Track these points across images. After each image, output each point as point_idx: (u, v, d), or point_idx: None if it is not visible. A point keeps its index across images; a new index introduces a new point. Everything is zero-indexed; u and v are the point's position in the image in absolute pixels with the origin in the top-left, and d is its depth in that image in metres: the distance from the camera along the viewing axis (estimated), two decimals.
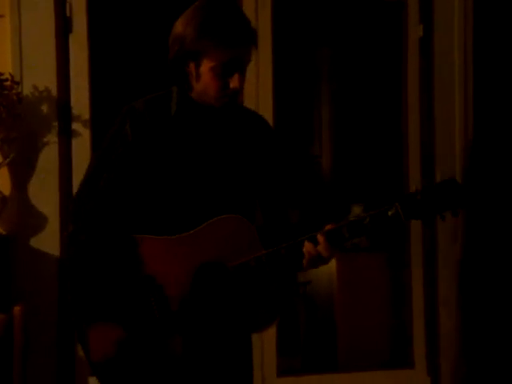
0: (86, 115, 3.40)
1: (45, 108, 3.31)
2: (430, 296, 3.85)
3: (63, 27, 3.36)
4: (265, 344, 3.65)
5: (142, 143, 2.03)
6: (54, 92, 3.32)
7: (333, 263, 4.44)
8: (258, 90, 3.64)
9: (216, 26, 1.94)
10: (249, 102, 3.62)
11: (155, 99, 2.09)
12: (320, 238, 1.96)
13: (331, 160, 4.92)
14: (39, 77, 3.30)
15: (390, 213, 1.94)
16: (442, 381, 3.82)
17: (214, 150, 2.08)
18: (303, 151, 4.85)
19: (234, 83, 1.97)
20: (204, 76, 1.98)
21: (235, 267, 1.98)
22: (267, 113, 3.64)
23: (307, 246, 1.97)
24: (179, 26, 1.99)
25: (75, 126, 3.39)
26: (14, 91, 3.13)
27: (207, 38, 1.94)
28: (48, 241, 3.26)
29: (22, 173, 3.29)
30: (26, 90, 3.27)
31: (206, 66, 1.97)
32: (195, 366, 2.03)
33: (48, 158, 3.31)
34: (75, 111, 3.39)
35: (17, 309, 2.72)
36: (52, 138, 3.32)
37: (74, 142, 3.37)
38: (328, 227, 1.98)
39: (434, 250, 3.83)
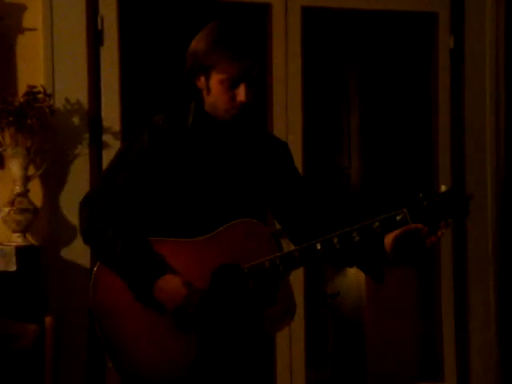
0: (117, 127, 3.43)
1: (76, 120, 3.35)
2: (460, 309, 3.81)
3: (95, 40, 3.40)
4: (293, 356, 3.64)
5: (157, 151, 2.12)
6: (85, 104, 3.36)
7: (362, 275, 4.41)
8: (287, 101, 3.65)
9: (225, 42, 2.06)
10: (279, 114, 3.63)
11: (174, 113, 2.20)
12: (335, 239, 2.04)
13: (360, 171, 4.90)
14: (71, 89, 3.33)
15: (398, 217, 2.03)
16: None
17: (226, 160, 2.16)
18: (329, 164, 4.84)
19: (240, 96, 2.08)
20: (213, 89, 2.09)
21: (251, 269, 2.05)
22: (296, 124, 3.65)
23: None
24: (194, 43, 2.13)
25: (106, 137, 3.42)
26: (46, 103, 3.17)
27: (216, 51, 2.06)
28: (79, 252, 3.28)
29: (53, 184, 3.32)
30: (58, 102, 3.30)
31: (215, 79, 2.08)
32: (211, 368, 2.07)
33: (79, 169, 3.35)
34: (106, 123, 3.42)
35: (48, 319, 2.74)
36: (83, 150, 3.36)
37: (105, 154, 3.40)
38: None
39: (464, 263, 3.80)
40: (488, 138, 3.79)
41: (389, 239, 2.07)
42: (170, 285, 2.02)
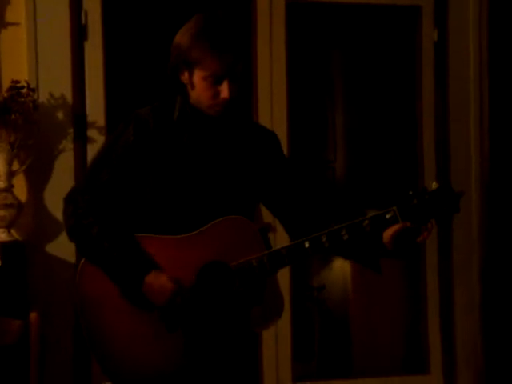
0: (101, 122, 3.42)
1: (60, 115, 3.33)
2: (445, 301, 3.83)
3: (79, 35, 3.39)
4: (279, 349, 3.65)
5: (143, 145, 2.11)
6: (70, 99, 3.34)
7: (347, 268, 4.43)
8: (271, 95, 3.65)
9: (207, 37, 2.04)
10: (264, 108, 3.64)
11: (159, 106, 2.18)
12: (323, 237, 2.03)
13: (345, 165, 4.91)
14: (55, 84, 3.32)
15: (387, 216, 2.02)
16: None
17: (214, 155, 2.15)
18: (315, 157, 4.85)
19: (223, 93, 2.07)
20: (197, 85, 2.08)
21: (238, 266, 2.05)
22: (281, 118, 3.66)
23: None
24: (177, 36, 2.11)
25: (90, 132, 3.40)
26: (29, 98, 3.16)
27: (199, 47, 2.04)
28: (64, 247, 3.26)
29: (37, 179, 3.31)
30: (42, 97, 3.29)
31: (198, 76, 2.07)
32: (197, 364, 2.07)
33: (63, 164, 3.34)
34: (90, 118, 3.41)
35: (33, 315, 2.73)
36: (67, 145, 3.34)
37: (90, 149, 3.39)
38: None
39: (449, 256, 3.82)
40: (472, 131, 3.81)
41: (386, 237, 2.06)
42: (158, 280, 2.01)
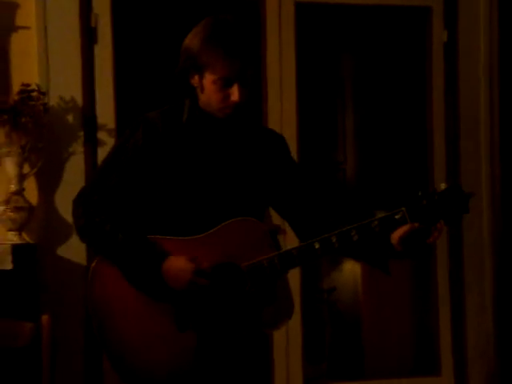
0: (111, 124, 3.43)
1: (71, 118, 3.34)
2: (456, 302, 3.82)
3: (88, 38, 3.39)
4: (290, 351, 3.65)
5: (152, 148, 2.11)
6: (80, 102, 3.35)
7: (358, 270, 4.42)
8: (281, 97, 3.65)
9: (218, 41, 2.04)
10: (273, 110, 3.64)
11: (168, 110, 2.19)
12: (333, 238, 2.04)
13: (355, 166, 4.91)
14: (65, 87, 3.33)
15: (397, 217, 2.03)
16: None
17: (222, 157, 2.16)
18: (325, 159, 4.85)
19: (234, 96, 2.07)
20: (207, 88, 2.09)
21: (249, 267, 2.05)
22: (291, 120, 3.65)
23: None
24: (187, 40, 2.11)
25: (100, 135, 3.41)
26: (40, 102, 3.17)
27: (209, 51, 2.04)
28: (75, 249, 3.28)
29: (48, 182, 3.32)
30: (52, 100, 3.30)
31: (208, 79, 2.07)
32: (208, 365, 2.07)
33: (74, 167, 3.34)
34: (100, 121, 3.42)
35: (45, 317, 2.73)
36: (78, 148, 3.35)
37: (100, 151, 3.39)
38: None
39: (460, 257, 3.80)
40: (483, 132, 3.79)
41: (395, 238, 2.06)
42: (177, 263, 2.02)
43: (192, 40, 2.09)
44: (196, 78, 2.10)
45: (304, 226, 2.24)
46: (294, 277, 3.49)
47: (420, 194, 2.03)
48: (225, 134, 2.17)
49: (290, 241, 2.90)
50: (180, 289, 2.03)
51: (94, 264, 2.11)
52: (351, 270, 4.46)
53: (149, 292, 2.06)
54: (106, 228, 2.07)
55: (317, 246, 2.05)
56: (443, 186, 2.03)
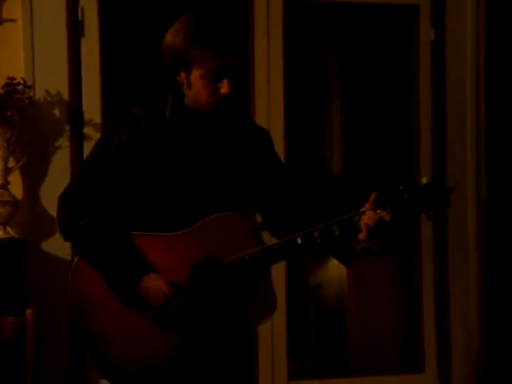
0: (98, 119, 3.41)
1: (57, 112, 3.33)
2: (440, 299, 3.84)
3: (75, 31, 3.38)
4: (275, 348, 3.65)
5: (135, 145, 2.11)
6: (66, 96, 3.34)
7: (344, 267, 4.43)
8: (269, 93, 3.65)
9: (203, 35, 2.03)
10: (260, 106, 3.64)
11: (151, 106, 2.18)
12: (315, 233, 2.03)
13: (342, 163, 4.91)
14: (51, 81, 3.31)
15: (378, 211, 2.02)
16: None
17: (206, 153, 2.15)
18: (311, 156, 4.85)
19: (224, 89, 2.06)
20: (195, 84, 2.07)
21: (231, 263, 2.05)
22: (278, 116, 3.65)
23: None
24: (169, 36, 2.09)
25: (87, 129, 3.40)
26: (26, 95, 3.15)
27: (195, 46, 2.03)
28: (59, 244, 3.24)
29: (33, 176, 3.31)
30: (38, 94, 3.28)
31: (196, 74, 2.06)
32: (191, 361, 2.07)
33: (60, 161, 3.33)
34: (87, 115, 3.40)
35: (29, 311, 2.73)
36: (64, 142, 3.34)
37: (86, 146, 3.38)
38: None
39: (445, 254, 3.82)
40: (469, 129, 3.81)
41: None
42: (154, 284, 2.01)
43: (175, 37, 2.06)
44: (182, 74, 2.09)
45: (282, 223, 2.23)
46: (279, 273, 3.51)
47: (401, 188, 2.02)
48: (208, 129, 2.17)
49: (273, 238, 2.90)
50: (156, 306, 2.03)
51: (76, 259, 2.10)
52: (337, 266, 4.47)
53: (125, 301, 2.05)
54: (90, 232, 2.05)
55: (299, 241, 2.05)
56: (425, 180, 2.04)
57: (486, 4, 3.81)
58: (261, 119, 3.58)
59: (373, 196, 2.03)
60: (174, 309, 2.02)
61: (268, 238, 2.23)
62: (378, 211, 2.01)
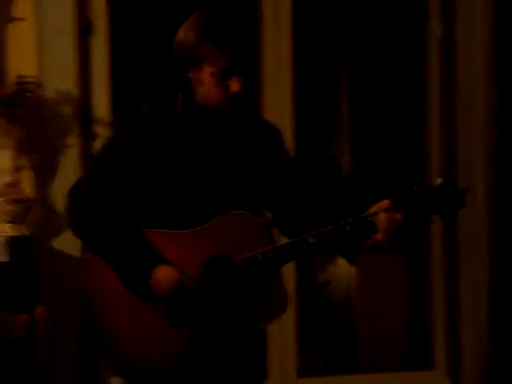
0: (107, 117, 3.42)
1: (66, 110, 3.33)
2: (451, 296, 3.83)
3: (84, 30, 3.39)
4: (285, 345, 3.65)
5: (145, 142, 2.10)
6: (76, 94, 3.34)
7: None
8: (278, 90, 3.65)
9: (215, 33, 2.03)
10: (269, 103, 3.64)
11: (161, 103, 2.18)
12: (329, 232, 2.03)
13: (351, 161, 4.91)
14: (60, 79, 3.32)
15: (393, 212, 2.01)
16: (463, 382, 3.80)
17: (217, 150, 2.15)
18: (321, 153, 4.85)
19: (234, 87, 2.06)
20: (205, 81, 2.07)
21: (243, 261, 2.04)
22: (287, 114, 3.65)
23: None
24: (181, 34, 2.10)
25: (96, 128, 3.41)
26: (36, 94, 3.16)
27: (207, 44, 2.03)
28: (70, 242, 3.24)
29: (44, 175, 3.32)
30: (48, 92, 3.29)
31: (206, 72, 2.06)
32: (202, 359, 2.08)
33: (69, 159, 3.34)
34: (96, 113, 3.41)
35: (39, 309, 2.74)
36: (73, 141, 3.35)
37: (95, 144, 3.39)
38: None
39: (455, 249, 3.81)
40: (479, 127, 3.80)
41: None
42: (165, 271, 2.01)
43: (187, 34, 2.07)
44: (193, 71, 2.09)
45: (293, 221, 2.23)
46: (288, 271, 3.51)
47: (416, 189, 2.03)
48: (219, 127, 2.17)
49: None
50: (164, 297, 2.03)
51: (88, 254, 2.11)
52: (346, 264, 4.47)
53: (138, 294, 2.05)
54: (101, 226, 2.05)
55: (311, 240, 2.04)
56: (439, 181, 2.04)
57: (495, 0, 3.80)
58: (270, 116, 3.58)
59: (387, 199, 2.04)
60: (184, 292, 2.01)
61: (277, 235, 2.23)
62: (393, 212, 2.01)
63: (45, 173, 3.32)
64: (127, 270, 2.05)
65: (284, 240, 2.11)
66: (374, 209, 2.05)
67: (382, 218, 2.02)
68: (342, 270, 4.54)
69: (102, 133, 3.39)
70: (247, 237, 2.07)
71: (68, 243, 3.28)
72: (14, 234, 3.13)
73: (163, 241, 2.07)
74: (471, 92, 3.79)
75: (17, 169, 3.18)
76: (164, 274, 2.01)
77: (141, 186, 2.12)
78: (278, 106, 3.65)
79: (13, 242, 3.02)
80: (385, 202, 2.04)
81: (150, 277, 2.02)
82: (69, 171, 3.32)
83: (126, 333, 2.06)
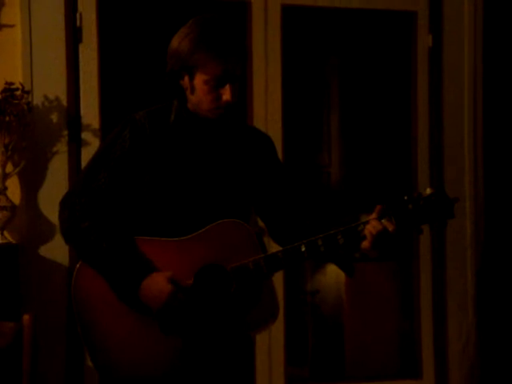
0: (96, 125, 3.41)
1: (55, 117, 3.33)
2: (439, 305, 3.84)
3: (73, 37, 3.39)
4: (273, 353, 3.65)
5: (139, 148, 2.10)
6: (64, 101, 3.34)
7: (341, 273, 4.43)
8: (266, 99, 3.66)
9: (208, 41, 2.04)
10: (258, 111, 3.64)
11: (156, 110, 2.18)
12: (319, 241, 2.04)
13: (340, 169, 4.92)
14: (49, 86, 3.32)
15: (383, 221, 2.03)
16: None
17: (209, 158, 2.15)
18: (309, 162, 4.86)
19: (226, 96, 2.07)
20: (198, 89, 2.08)
21: (234, 269, 2.05)
22: (276, 122, 3.66)
23: None
24: (175, 42, 2.10)
25: (85, 135, 3.40)
26: (24, 100, 3.16)
27: (200, 52, 2.04)
28: (57, 250, 3.27)
29: (31, 182, 3.31)
30: (37, 99, 3.29)
31: (199, 80, 2.07)
32: (193, 367, 2.07)
33: (57, 167, 3.33)
34: (85, 120, 3.41)
35: (26, 317, 2.72)
36: (62, 148, 3.34)
37: (84, 151, 3.38)
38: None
39: (442, 261, 3.82)
40: (466, 135, 3.82)
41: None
42: (156, 283, 2.00)
43: (181, 42, 2.07)
44: (186, 79, 2.09)
45: (284, 229, 2.24)
46: (277, 279, 3.49)
47: (406, 198, 2.04)
48: (211, 135, 2.17)
49: (275, 243, 2.90)
50: (154, 310, 2.02)
51: (79, 262, 2.10)
52: (335, 272, 4.47)
53: (127, 304, 2.04)
54: (91, 235, 2.04)
55: (303, 248, 2.05)
56: (429, 190, 2.05)
57: (483, 10, 3.82)
58: (259, 124, 3.59)
59: (378, 207, 2.04)
60: (176, 303, 2.01)
61: (269, 243, 2.23)
62: (383, 221, 2.02)
63: (32, 180, 3.31)
64: (116, 279, 2.04)
65: (276, 248, 2.10)
66: (366, 218, 2.06)
67: (371, 227, 2.02)
68: (331, 278, 4.54)
69: (91, 140, 3.39)
70: (239, 245, 2.07)
71: (55, 251, 3.27)
72: (0, 241, 3.11)
73: (154, 249, 2.07)
74: (459, 99, 3.81)
75: (4, 176, 3.17)
76: (155, 286, 2.00)
77: (133, 194, 2.12)
78: (267, 114, 3.66)
79: None
80: (377, 207, 2.05)
81: (138, 288, 2.01)
82: (57, 178, 3.31)
83: (117, 340, 2.06)
